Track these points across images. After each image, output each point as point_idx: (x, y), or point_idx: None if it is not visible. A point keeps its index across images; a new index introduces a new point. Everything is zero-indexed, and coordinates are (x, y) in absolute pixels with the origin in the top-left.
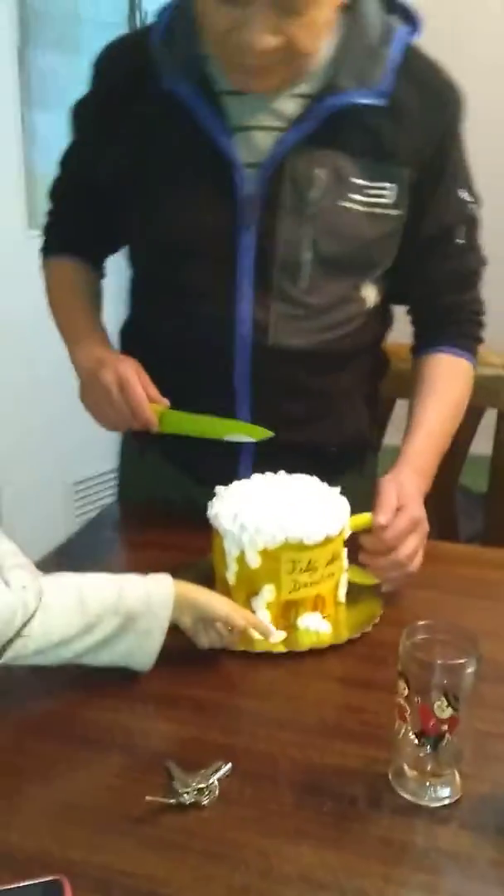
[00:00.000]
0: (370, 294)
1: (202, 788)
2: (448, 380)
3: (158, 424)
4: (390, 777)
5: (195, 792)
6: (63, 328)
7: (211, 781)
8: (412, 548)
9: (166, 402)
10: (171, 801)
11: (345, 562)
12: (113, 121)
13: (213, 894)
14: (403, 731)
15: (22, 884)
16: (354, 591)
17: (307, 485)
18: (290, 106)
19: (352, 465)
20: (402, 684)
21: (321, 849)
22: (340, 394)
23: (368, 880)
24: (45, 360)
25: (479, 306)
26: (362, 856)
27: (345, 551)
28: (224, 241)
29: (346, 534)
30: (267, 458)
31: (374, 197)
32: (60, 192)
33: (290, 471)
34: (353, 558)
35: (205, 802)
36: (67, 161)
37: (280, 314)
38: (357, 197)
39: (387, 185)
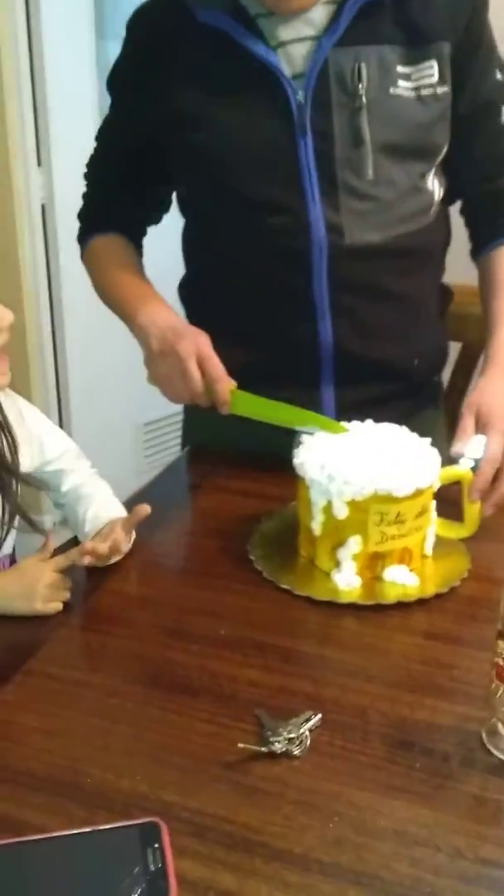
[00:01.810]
0: (435, 186)
1: (293, 738)
2: None
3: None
4: (484, 736)
5: (286, 741)
6: (120, 302)
7: (302, 731)
8: None
9: (234, 382)
10: (263, 749)
11: (433, 515)
12: (154, 71)
13: (308, 845)
14: (501, 691)
15: (120, 824)
16: (442, 545)
17: (396, 434)
18: (320, 13)
19: (430, 390)
20: (501, 644)
21: (414, 804)
22: (419, 300)
23: (464, 839)
24: None
25: None
26: (456, 814)
27: (433, 504)
28: (285, 150)
29: (436, 487)
30: (349, 385)
31: (421, 79)
32: (100, 163)
33: (375, 399)
34: (441, 511)
35: (296, 752)
36: (107, 131)
37: (350, 210)
38: (405, 83)
39: (430, 63)
